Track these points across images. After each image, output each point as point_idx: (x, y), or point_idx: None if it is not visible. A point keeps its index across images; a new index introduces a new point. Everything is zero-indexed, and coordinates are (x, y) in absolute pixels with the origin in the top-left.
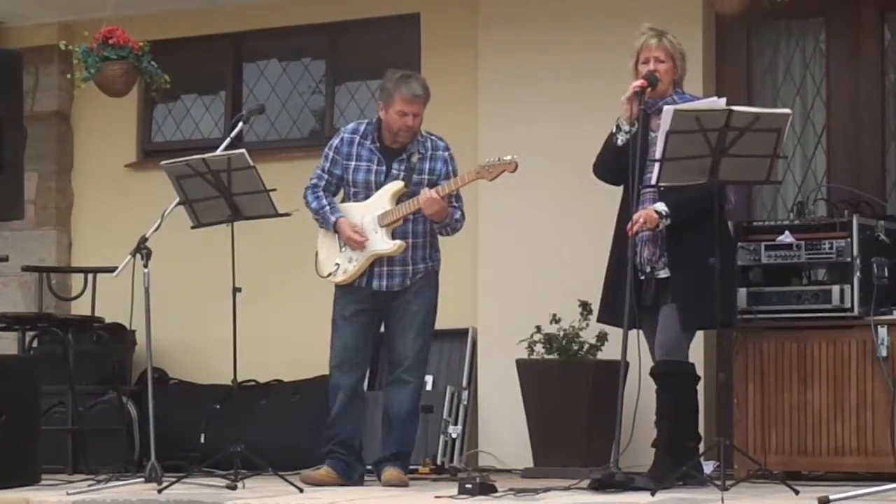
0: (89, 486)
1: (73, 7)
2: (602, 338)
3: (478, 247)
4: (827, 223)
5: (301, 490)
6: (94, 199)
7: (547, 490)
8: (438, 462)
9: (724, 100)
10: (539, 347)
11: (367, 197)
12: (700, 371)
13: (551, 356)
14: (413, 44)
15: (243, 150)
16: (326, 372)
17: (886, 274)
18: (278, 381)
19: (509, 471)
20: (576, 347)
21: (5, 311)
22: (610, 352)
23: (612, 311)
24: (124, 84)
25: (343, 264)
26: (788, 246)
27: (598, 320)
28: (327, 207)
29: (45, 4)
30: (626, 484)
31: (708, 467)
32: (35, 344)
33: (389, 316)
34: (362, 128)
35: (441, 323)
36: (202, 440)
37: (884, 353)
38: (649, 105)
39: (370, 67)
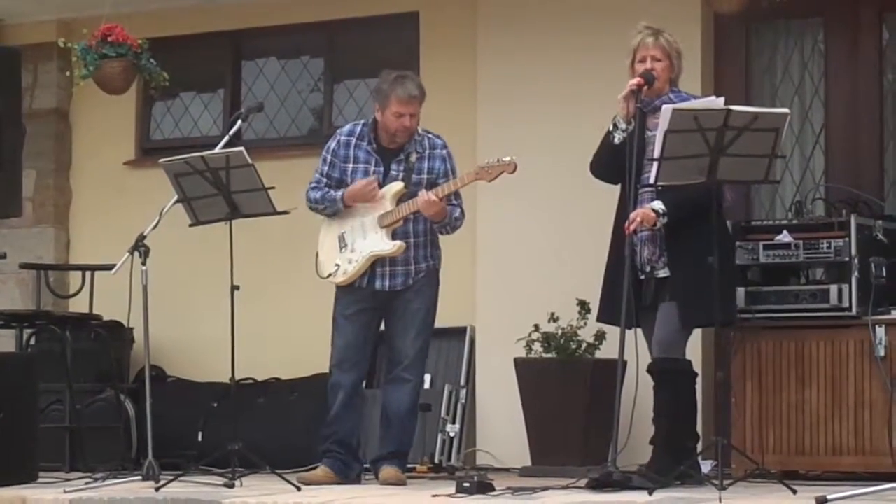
0: (87, 483)
1: (72, 4)
2: (600, 337)
3: (476, 246)
4: (825, 223)
5: (299, 488)
6: (93, 196)
7: (545, 489)
8: (436, 461)
9: (722, 99)
10: (537, 346)
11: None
12: (698, 370)
13: (549, 355)
14: (412, 42)
15: (242, 148)
16: (324, 370)
17: (884, 273)
18: (276, 379)
19: (507, 469)
20: (574, 346)
21: (3, 308)
22: (608, 351)
23: (611, 311)
24: (123, 82)
25: (343, 265)
26: (787, 245)
27: (598, 319)
28: (330, 191)
29: (44, 2)
30: (624, 483)
31: (706, 466)
32: (33, 341)
33: (390, 314)
34: (358, 129)
35: (439, 321)
36: (200, 438)
37: (881, 352)
38: (646, 103)
39: (369, 66)
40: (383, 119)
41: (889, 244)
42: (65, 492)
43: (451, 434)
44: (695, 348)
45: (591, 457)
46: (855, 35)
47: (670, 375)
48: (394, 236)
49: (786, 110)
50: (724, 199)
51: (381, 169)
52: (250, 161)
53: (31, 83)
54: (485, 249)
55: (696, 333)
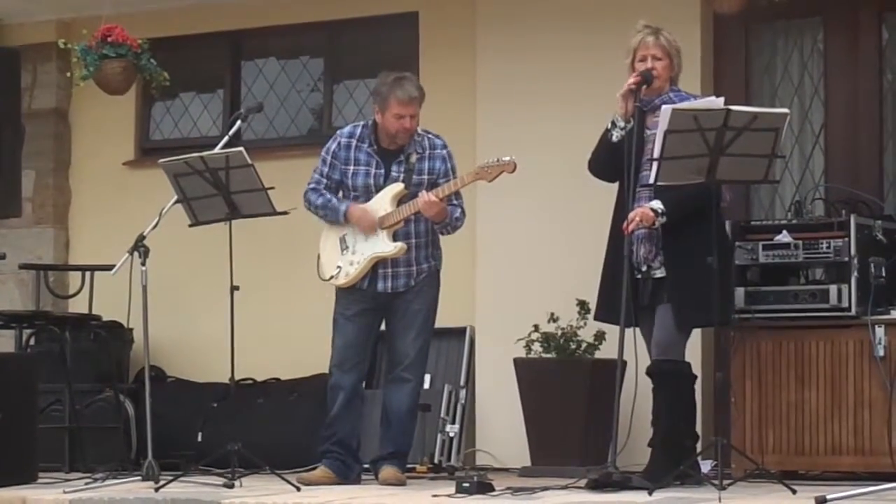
0: (86, 484)
1: (72, 5)
2: (600, 337)
3: (476, 246)
4: (825, 223)
5: (298, 489)
6: (92, 196)
7: (544, 489)
8: (436, 461)
9: (721, 99)
10: (537, 346)
11: (367, 200)
12: (697, 370)
13: (549, 355)
14: (411, 42)
15: (241, 148)
16: (324, 371)
17: (884, 273)
18: (276, 379)
19: (507, 470)
20: (573, 346)
21: (2, 308)
22: (607, 351)
23: (608, 309)
24: (123, 82)
25: (345, 267)
26: (786, 245)
27: (595, 318)
28: (333, 200)
29: (43, 2)
30: (624, 483)
31: (705, 466)
32: (32, 342)
33: (391, 314)
34: (358, 131)
35: (439, 321)
36: (199, 438)
37: (881, 352)
38: (645, 102)
39: (369, 66)
40: (383, 121)
41: (888, 244)
42: (64, 492)
43: (451, 434)
44: (694, 348)
45: (591, 457)
46: (854, 35)
47: (669, 378)
48: (395, 237)
49: (785, 110)
50: (722, 198)
51: (382, 170)
52: (250, 161)
53: (31, 83)
54: (485, 249)
55: (696, 333)
